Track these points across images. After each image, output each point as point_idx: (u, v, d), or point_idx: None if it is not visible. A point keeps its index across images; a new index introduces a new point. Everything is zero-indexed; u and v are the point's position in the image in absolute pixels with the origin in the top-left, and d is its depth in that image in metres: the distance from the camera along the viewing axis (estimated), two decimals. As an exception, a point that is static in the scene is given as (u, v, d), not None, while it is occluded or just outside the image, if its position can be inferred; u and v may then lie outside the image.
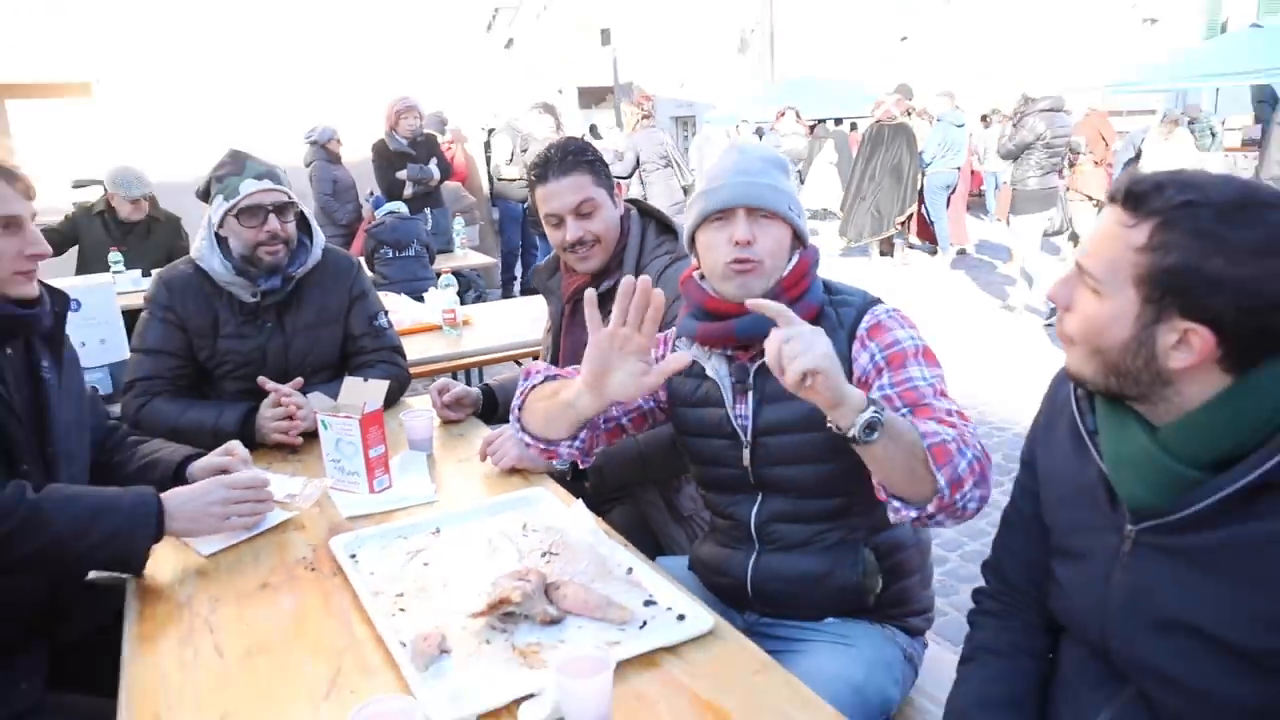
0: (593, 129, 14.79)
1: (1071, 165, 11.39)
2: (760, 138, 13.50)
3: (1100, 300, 1.11)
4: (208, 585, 1.63)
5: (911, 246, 10.70)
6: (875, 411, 1.26)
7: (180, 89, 7.89)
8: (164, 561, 1.72)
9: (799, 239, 1.66)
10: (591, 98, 23.07)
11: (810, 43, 20.24)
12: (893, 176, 9.68)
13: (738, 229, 1.57)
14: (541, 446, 1.76)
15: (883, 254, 10.41)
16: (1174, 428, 1.10)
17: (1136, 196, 1.07)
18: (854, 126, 15.75)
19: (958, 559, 3.55)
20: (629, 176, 7.84)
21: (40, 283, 1.76)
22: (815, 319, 1.60)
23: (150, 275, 5.23)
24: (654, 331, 1.52)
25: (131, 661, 1.40)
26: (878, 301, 1.67)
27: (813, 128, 14.25)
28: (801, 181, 13.06)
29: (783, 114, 12.98)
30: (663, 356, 1.80)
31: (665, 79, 20.73)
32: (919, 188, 9.83)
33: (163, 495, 1.69)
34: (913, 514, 1.39)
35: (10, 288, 1.68)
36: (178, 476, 1.92)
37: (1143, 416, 1.14)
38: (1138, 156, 10.12)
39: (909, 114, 9.73)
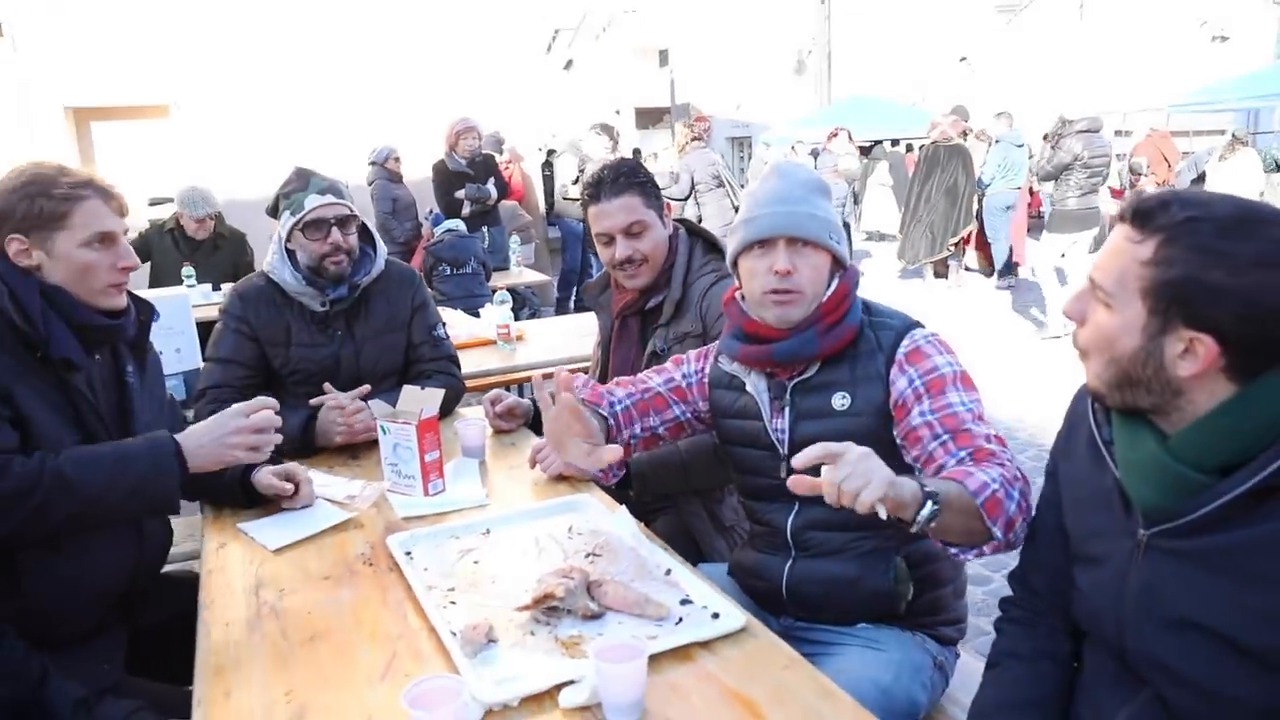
0: (636, 153, 14.92)
1: (1133, 186, 11.22)
2: (815, 159, 13.51)
3: (1110, 313, 1.17)
4: (274, 578, 1.74)
5: (967, 269, 10.62)
6: (934, 505, 1.32)
7: (251, 111, 8.23)
8: (234, 555, 1.85)
9: (838, 262, 1.72)
10: (649, 119, 23.22)
11: (868, 64, 20.18)
12: (948, 198, 9.64)
13: (778, 259, 1.65)
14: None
15: (937, 275, 10.35)
16: (1182, 434, 1.15)
17: (1143, 214, 1.13)
18: (910, 148, 15.70)
19: (1001, 579, 3.54)
20: (686, 198, 7.94)
21: (128, 293, 1.90)
22: (854, 340, 1.68)
23: (218, 289, 5.50)
24: (586, 421, 1.72)
25: (205, 643, 1.52)
26: (917, 325, 1.72)
27: (867, 149, 14.21)
28: (856, 201, 13.02)
29: (835, 134, 12.96)
30: (702, 370, 1.89)
31: (722, 100, 20.83)
32: (975, 209, 9.77)
33: (178, 435, 1.75)
34: (970, 555, 1.48)
35: (102, 299, 1.81)
36: (245, 476, 2.05)
37: (1156, 426, 1.19)
38: (1201, 178, 9.95)
39: (965, 135, 9.66)
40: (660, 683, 1.31)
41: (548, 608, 1.50)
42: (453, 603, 1.58)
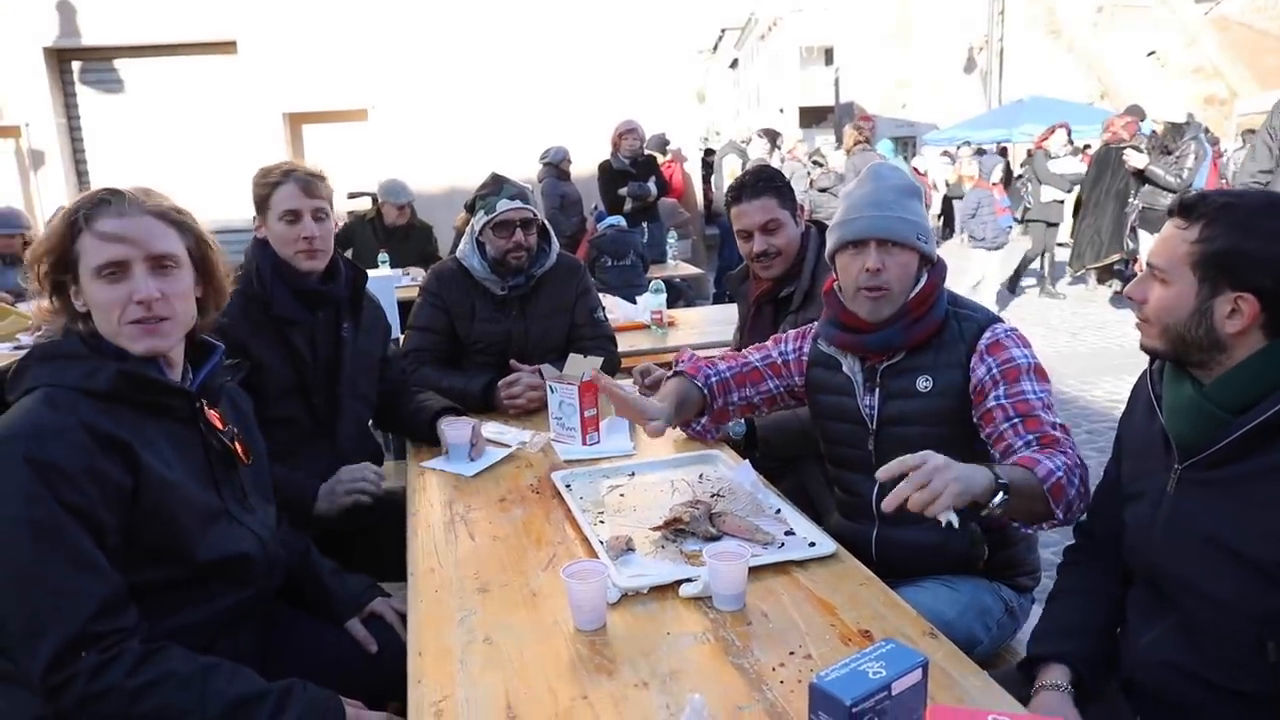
0: (818, 151, 14.99)
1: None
2: (979, 157, 12.94)
3: (1167, 287, 1.44)
4: (462, 496, 2.19)
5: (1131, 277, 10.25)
6: (1005, 495, 1.50)
7: (437, 114, 9.04)
8: (431, 480, 2.31)
9: (926, 259, 1.98)
10: (812, 117, 23.22)
11: (1042, 60, 19.45)
12: (1117, 201, 9.35)
13: (869, 258, 1.91)
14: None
15: (1100, 281, 10.06)
16: (1217, 381, 1.41)
17: (1187, 207, 1.42)
18: (1087, 148, 15.10)
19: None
20: None
21: (343, 260, 2.42)
22: (938, 331, 1.95)
23: (407, 274, 6.20)
24: (633, 406, 2.00)
25: (414, 539, 1.97)
26: (998, 320, 1.97)
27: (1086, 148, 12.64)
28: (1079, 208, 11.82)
29: (1053, 131, 11.24)
30: (801, 349, 2.19)
31: (887, 99, 20.64)
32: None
33: (317, 492, 2.27)
34: (1030, 530, 1.76)
35: (297, 262, 2.33)
36: (432, 422, 2.55)
37: (1197, 379, 1.45)
38: None
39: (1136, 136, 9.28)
40: (759, 586, 1.65)
41: (676, 530, 1.87)
42: (601, 522, 1.97)
